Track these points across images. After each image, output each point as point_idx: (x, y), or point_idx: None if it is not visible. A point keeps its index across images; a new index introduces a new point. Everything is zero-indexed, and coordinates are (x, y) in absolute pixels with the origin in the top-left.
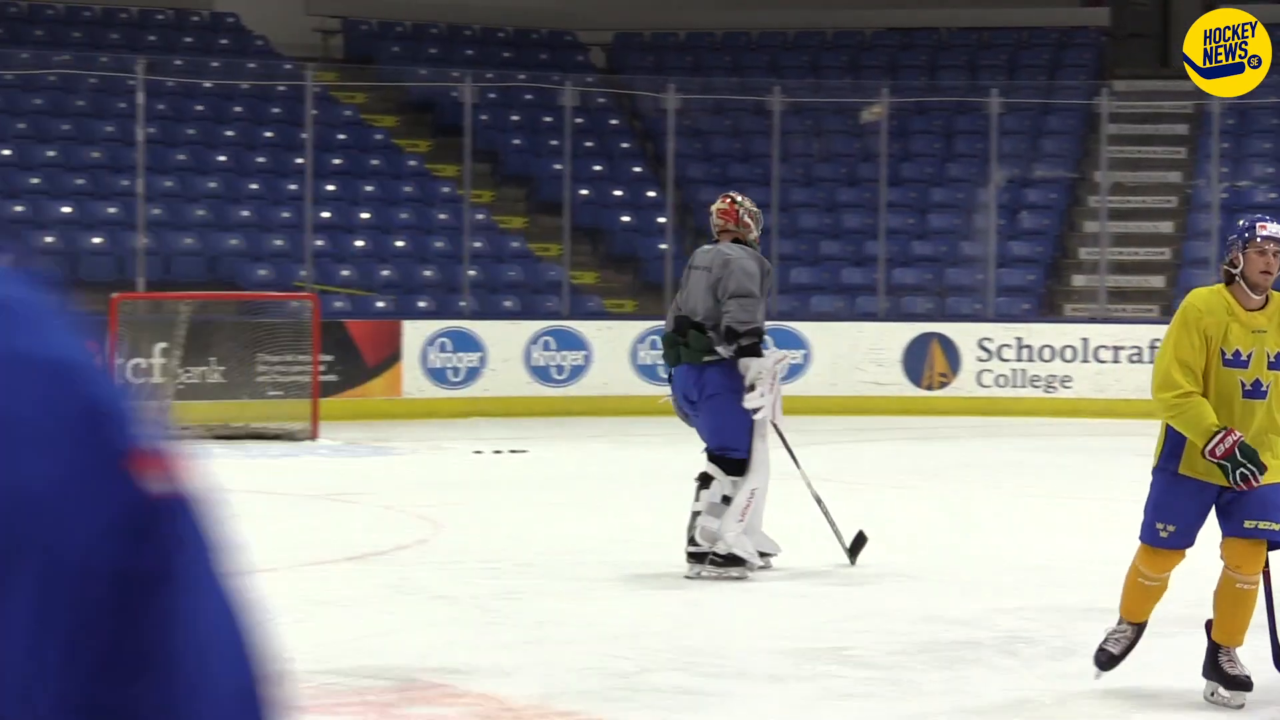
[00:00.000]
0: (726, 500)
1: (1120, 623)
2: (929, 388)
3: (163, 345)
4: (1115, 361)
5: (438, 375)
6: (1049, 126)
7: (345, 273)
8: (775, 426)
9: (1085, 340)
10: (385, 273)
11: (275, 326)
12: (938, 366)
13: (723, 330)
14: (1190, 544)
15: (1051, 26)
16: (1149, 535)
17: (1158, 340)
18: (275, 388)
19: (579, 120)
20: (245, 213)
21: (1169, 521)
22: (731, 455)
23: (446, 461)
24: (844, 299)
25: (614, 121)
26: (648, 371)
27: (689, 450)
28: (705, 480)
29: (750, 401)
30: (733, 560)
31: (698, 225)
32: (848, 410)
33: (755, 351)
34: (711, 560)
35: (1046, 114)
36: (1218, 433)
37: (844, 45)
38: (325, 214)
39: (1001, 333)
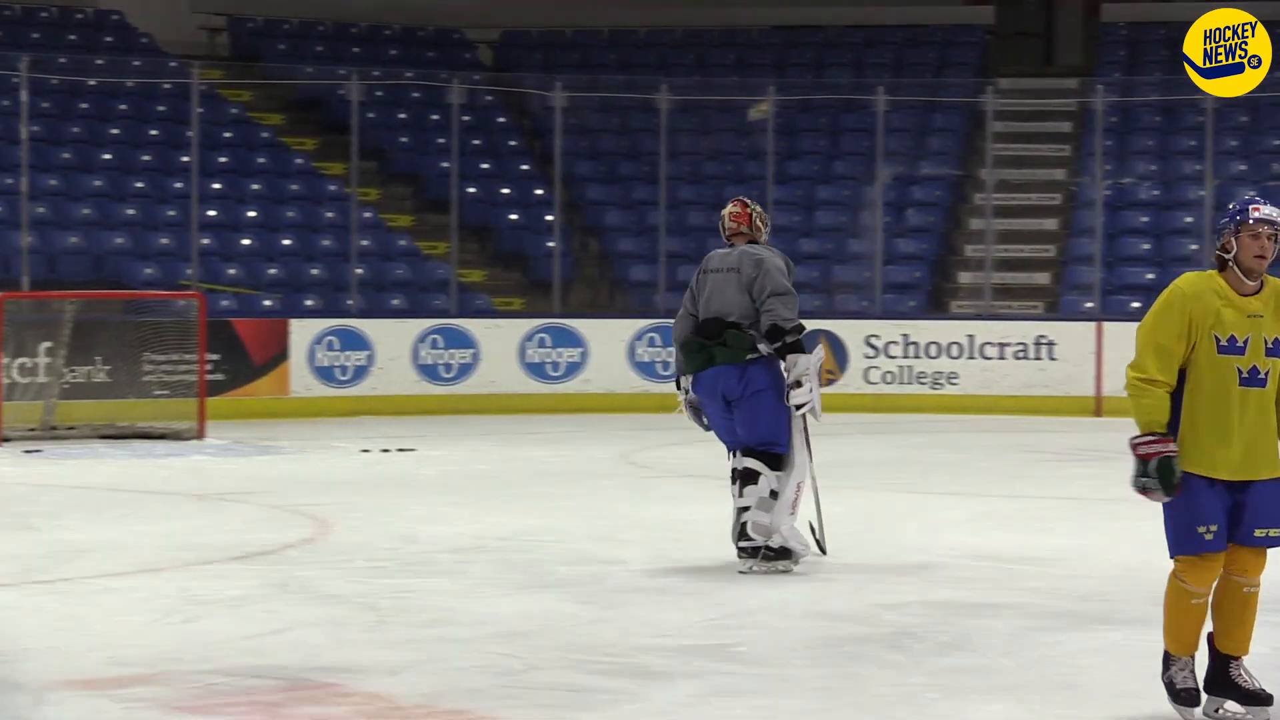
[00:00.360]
0: (773, 495)
1: (1175, 660)
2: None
3: (48, 345)
4: (1001, 358)
5: (325, 374)
6: (934, 124)
7: (232, 271)
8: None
9: (971, 337)
10: (272, 271)
11: (161, 325)
12: (825, 363)
13: (765, 329)
14: (1225, 546)
15: (937, 24)
16: (1190, 544)
17: (1043, 337)
18: (161, 387)
19: (466, 118)
20: (131, 211)
21: (1210, 521)
22: (774, 450)
23: (334, 460)
24: None
25: (501, 120)
26: (535, 370)
27: (576, 449)
28: (748, 476)
29: (798, 397)
30: (783, 553)
31: (585, 223)
32: None
33: (800, 348)
34: (765, 554)
35: (932, 112)
36: (1156, 434)
37: (731, 43)
38: (211, 212)
39: (888, 330)
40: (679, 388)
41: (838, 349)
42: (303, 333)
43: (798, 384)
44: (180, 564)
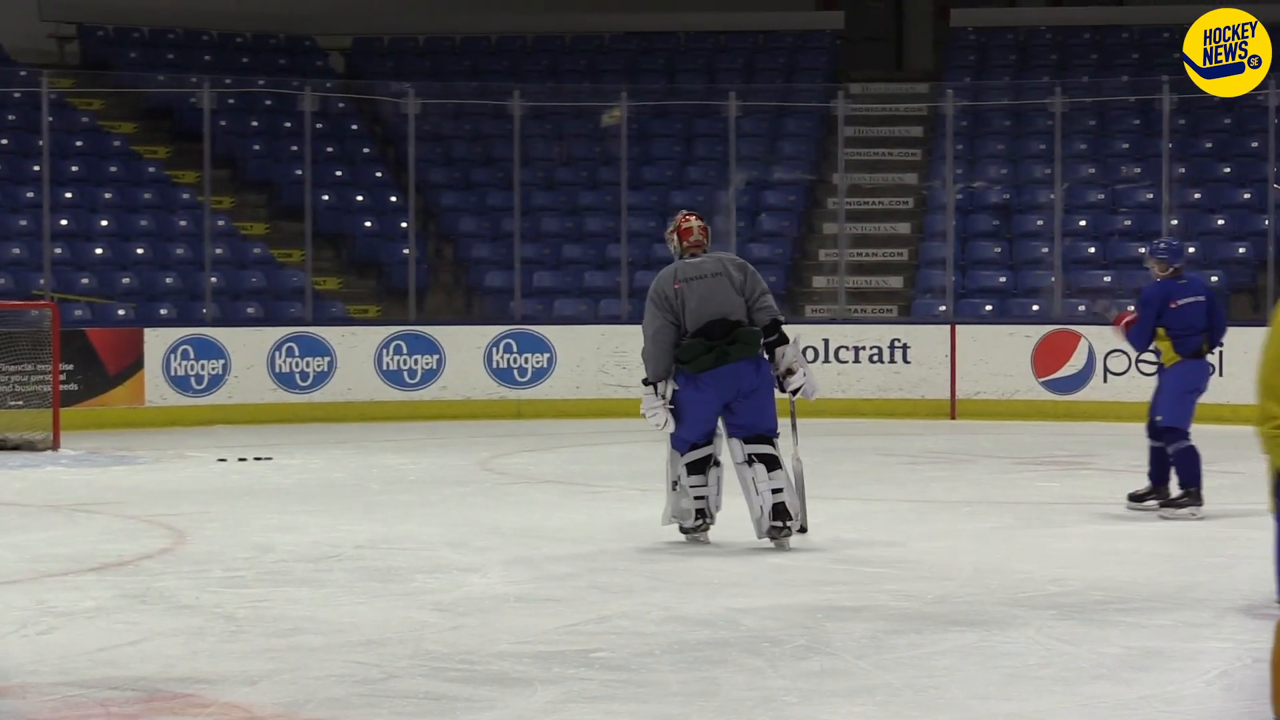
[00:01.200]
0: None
1: None
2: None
3: None
4: (856, 361)
5: (180, 383)
6: (786, 129)
7: (85, 281)
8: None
9: (826, 340)
10: (126, 280)
11: (14, 335)
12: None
13: (764, 323)
14: None
15: (787, 30)
16: None
17: (898, 339)
18: (15, 397)
19: (319, 125)
20: None
21: None
22: (774, 436)
23: (190, 470)
24: (587, 302)
25: (354, 127)
26: (392, 377)
27: (433, 456)
28: (773, 461)
29: (795, 382)
30: (803, 529)
31: (440, 230)
32: (593, 413)
33: (787, 339)
34: (801, 529)
35: (784, 117)
36: None
37: (583, 49)
38: (64, 221)
39: None
40: (656, 393)
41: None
42: (157, 342)
43: (790, 371)
44: (35, 575)
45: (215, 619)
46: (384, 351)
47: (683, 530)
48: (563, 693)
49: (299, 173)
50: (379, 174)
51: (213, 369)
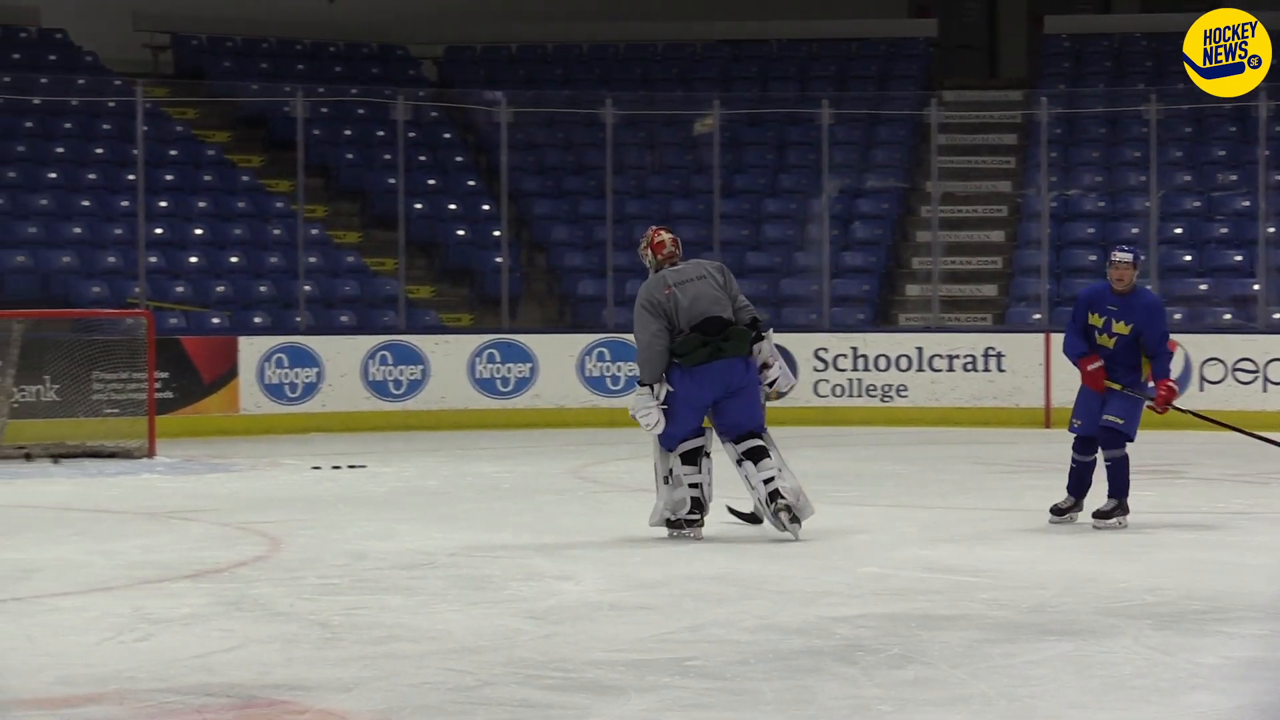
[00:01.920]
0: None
1: None
2: (765, 398)
3: None
4: (950, 370)
5: (275, 391)
6: (879, 137)
7: (180, 289)
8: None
9: (920, 349)
10: (220, 289)
11: (110, 344)
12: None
13: (745, 322)
14: None
15: (881, 38)
16: None
17: (992, 348)
18: (111, 405)
19: (412, 134)
20: (77, 229)
21: None
22: (762, 430)
23: (285, 478)
24: None
25: (447, 135)
26: (485, 385)
27: (526, 464)
28: (760, 453)
29: (770, 375)
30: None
31: (533, 238)
32: None
33: (761, 336)
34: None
35: (877, 124)
36: None
37: (675, 57)
38: (158, 230)
39: (837, 342)
40: (652, 393)
41: (786, 362)
42: (251, 350)
43: (766, 365)
44: (132, 582)
45: (310, 626)
46: (477, 360)
47: (671, 525)
48: (656, 701)
49: (392, 181)
50: (471, 182)
51: (307, 377)
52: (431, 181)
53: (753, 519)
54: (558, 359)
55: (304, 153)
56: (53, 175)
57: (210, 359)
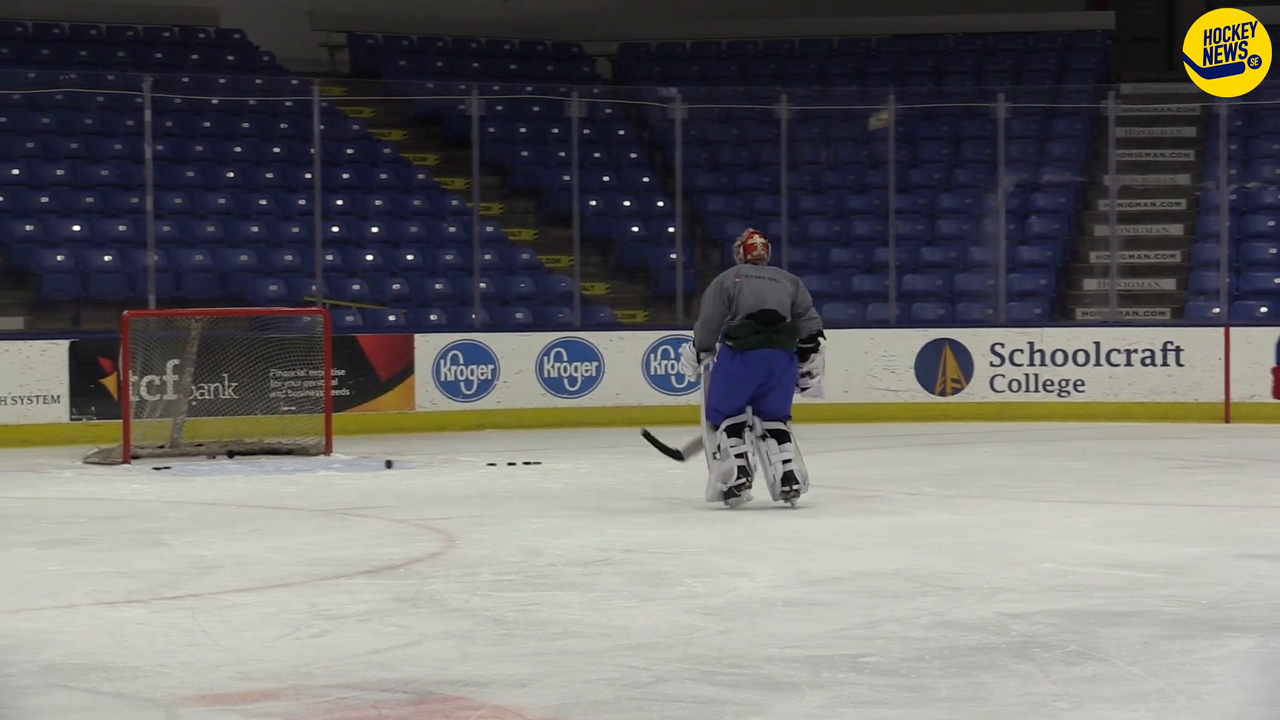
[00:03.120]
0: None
1: None
2: (942, 393)
3: (174, 362)
4: (1128, 364)
5: (450, 388)
6: (1056, 130)
7: (356, 287)
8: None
9: (1097, 344)
10: (396, 286)
11: (287, 341)
12: (950, 372)
13: (806, 333)
14: None
15: (1057, 31)
16: None
17: (1170, 342)
18: (288, 403)
19: (586, 131)
20: (255, 228)
21: None
22: (788, 418)
23: (460, 474)
24: (855, 306)
25: (621, 132)
26: (660, 381)
27: (700, 461)
28: (784, 436)
29: (807, 382)
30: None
31: (707, 235)
32: (861, 417)
33: (818, 349)
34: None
35: (1053, 118)
36: None
37: (850, 52)
38: (335, 228)
39: (1013, 337)
40: (699, 361)
41: (963, 357)
42: (427, 347)
43: (810, 374)
44: (309, 579)
45: (485, 622)
46: (652, 356)
47: (726, 496)
48: (831, 698)
49: (567, 178)
50: (646, 179)
51: (482, 374)
52: (606, 178)
53: (672, 454)
54: None
55: (479, 150)
56: (230, 175)
57: (386, 356)
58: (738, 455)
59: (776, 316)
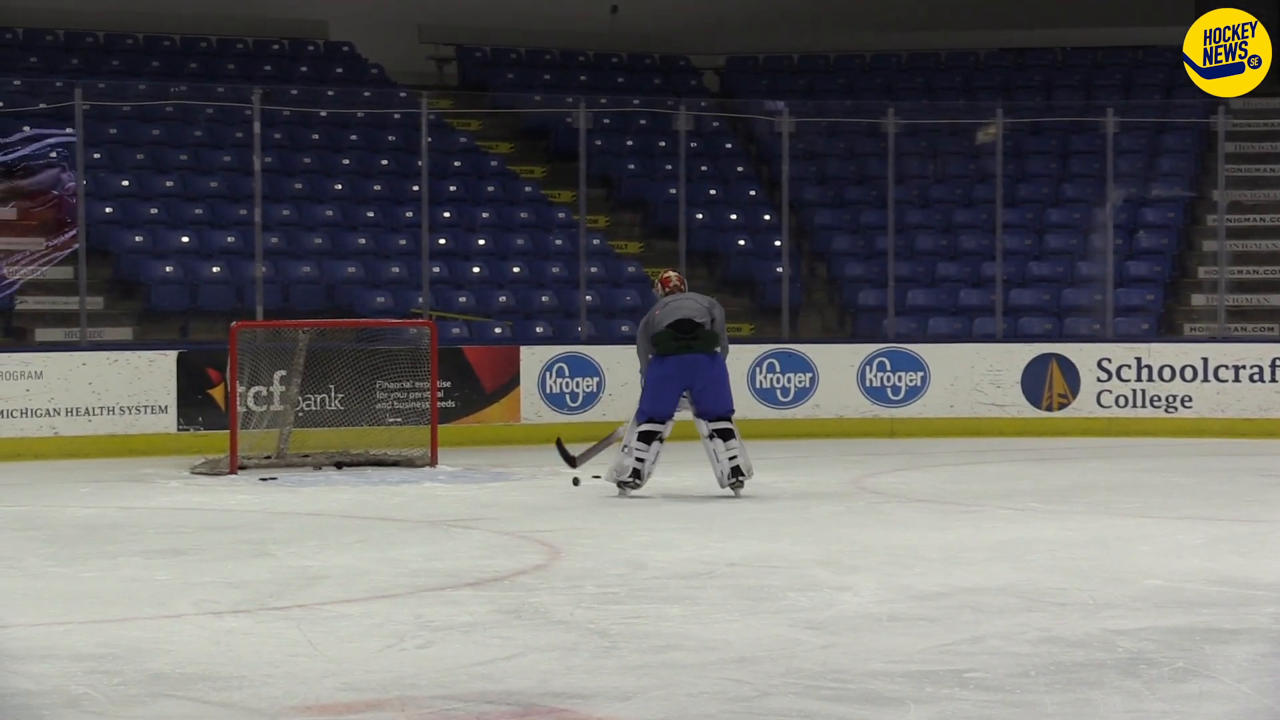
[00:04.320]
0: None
1: None
2: (1048, 408)
3: (282, 373)
4: (1236, 381)
5: (556, 400)
6: (1165, 145)
7: (462, 299)
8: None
9: (1205, 360)
10: (502, 299)
11: (393, 353)
12: (1057, 387)
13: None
14: None
15: (1166, 46)
16: None
17: (1279, 359)
18: (394, 414)
19: (693, 144)
20: (362, 240)
21: None
22: (730, 414)
23: (565, 487)
24: (962, 320)
25: (728, 145)
26: (765, 395)
27: (806, 474)
28: (729, 434)
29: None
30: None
31: (813, 248)
32: (967, 432)
33: None
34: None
35: (1162, 133)
36: None
37: (958, 66)
38: (442, 241)
39: (1121, 353)
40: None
41: (1069, 372)
42: (533, 360)
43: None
44: (414, 590)
45: (589, 635)
46: (757, 370)
47: (617, 484)
48: (936, 713)
49: (673, 191)
50: (752, 192)
51: (587, 386)
52: (713, 191)
53: (570, 461)
54: (838, 369)
55: (586, 163)
56: (338, 186)
57: (492, 368)
58: (638, 459)
59: (694, 324)
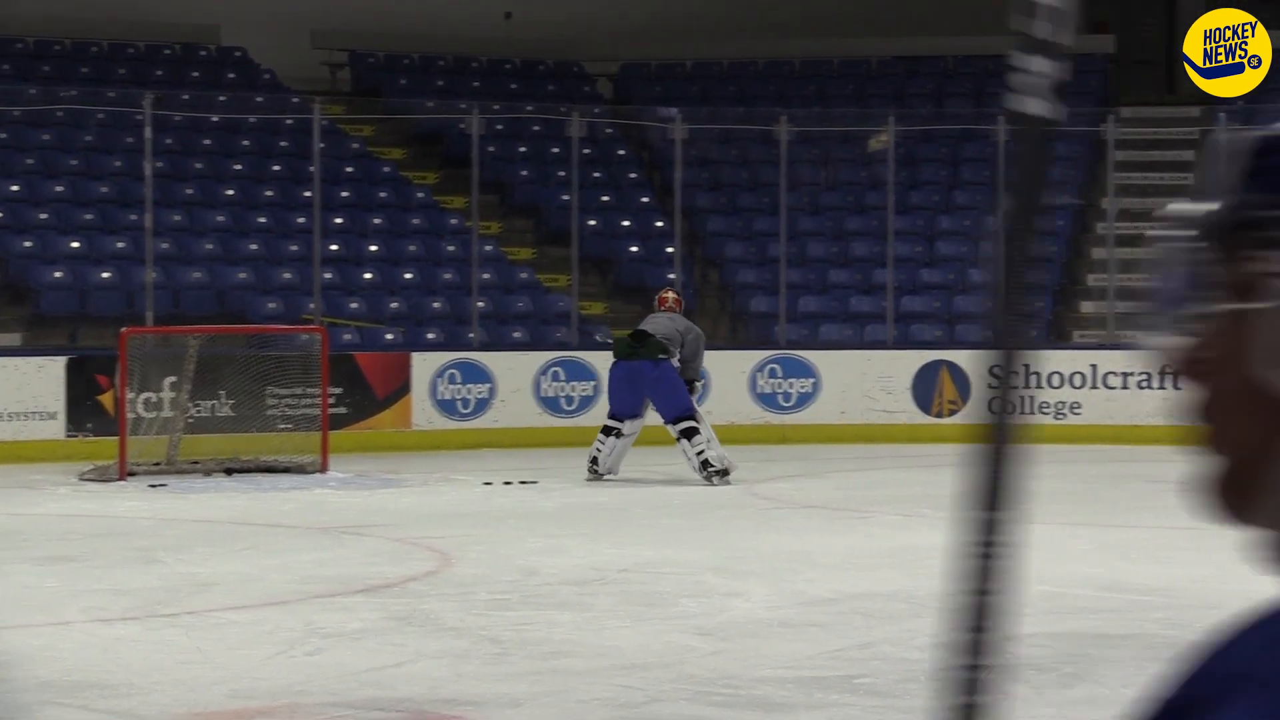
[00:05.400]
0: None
1: None
2: (939, 415)
3: (172, 379)
4: (1125, 388)
5: (447, 407)
6: (1056, 153)
7: (354, 305)
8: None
9: (1094, 366)
10: (394, 305)
11: (284, 359)
12: (947, 394)
13: (685, 378)
14: None
15: None
16: None
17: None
18: (285, 420)
19: (586, 151)
20: (253, 246)
21: None
22: (691, 414)
23: (456, 493)
24: (853, 327)
25: (621, 152)
26: None
27: (697, 481)
28: (692, 432)
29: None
30: (727, 471)
31: (706, 255)
32: (858, 438)
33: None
34: (720, 472)
35: (1053, 141)
36: None
37: (850, 74)
38: (334, 246)
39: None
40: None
41: (960, 380)
42: (424, 366)
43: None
44: (304, 596)
45: (480, 641)
46: None
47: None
48: (826, 718)
49: (566, 198)
50: (645, 199)
51: (479, 393)
52: (605, 198)
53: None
54: (729, 375)
55: (479, 169)
56: (230, 192)
57: (383, 375)
58: (596, 448)
59: (644, 335)
